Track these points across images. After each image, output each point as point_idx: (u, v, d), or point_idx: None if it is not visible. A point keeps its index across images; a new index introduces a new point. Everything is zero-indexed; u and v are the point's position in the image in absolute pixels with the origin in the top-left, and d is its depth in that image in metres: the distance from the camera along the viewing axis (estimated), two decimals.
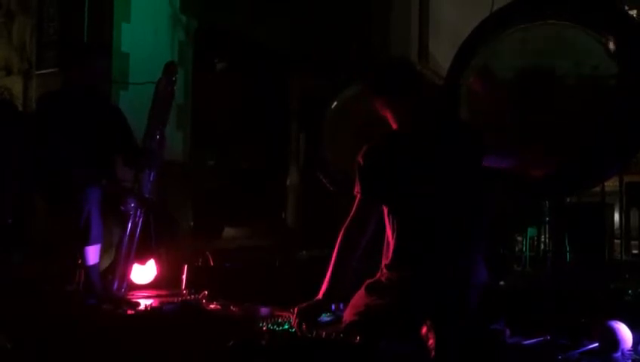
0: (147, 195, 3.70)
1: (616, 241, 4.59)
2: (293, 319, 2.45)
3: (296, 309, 2.47)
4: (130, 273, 3.68)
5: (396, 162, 2.52)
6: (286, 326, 2.49)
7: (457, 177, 2.49)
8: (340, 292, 2.54)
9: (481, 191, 2.55)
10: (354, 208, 2.58)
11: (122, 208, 3.59)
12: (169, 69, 3.82)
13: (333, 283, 2.52)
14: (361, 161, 2.56)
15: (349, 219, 2.59)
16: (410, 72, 2.62)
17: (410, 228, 2.48)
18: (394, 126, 2.61)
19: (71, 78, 3.77)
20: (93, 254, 3.49)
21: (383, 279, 2.49)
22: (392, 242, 2.51)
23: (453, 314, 2.31)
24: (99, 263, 3.58)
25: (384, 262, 2.53)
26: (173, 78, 3.83)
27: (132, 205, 3.60)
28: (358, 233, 2.57)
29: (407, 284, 2.42)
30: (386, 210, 2.54)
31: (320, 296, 2.52)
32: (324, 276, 2.56)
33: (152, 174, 3.74)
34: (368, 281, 2.54)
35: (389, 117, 2.60)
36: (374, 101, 2.61)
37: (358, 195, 2.57)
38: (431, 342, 2.15)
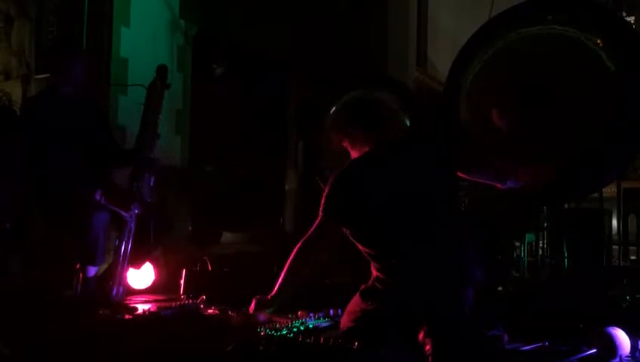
0: (148, 199, 3.71)
1: (615, 247, 4.59)
2: (251, 306, 2.72)
3: (255, 299, 2.72)
4: (126, 277, 3.68)
5: (371, 179, 2.57)
6: (284, 332, 2.49)
7: (431, 183, 2.55)
8: (286, 299, 2.74)
9: (455, 196, 2.61)
10: (315, 226, 2.65)
11: (125, 214, 3.57)
12: (162, 71, 3.81)
13: (281, 290, 2.70)
14: (332, 185, 2.62)
15: (307, 235, 2.67)
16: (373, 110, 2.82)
17: (396, 237, 2.48)
18: (354, 154, 2.73)
19: (57, 82, 3.78)
20: (94, 269, 3.57)
21: (377, 284, 2.48)
22: (373, 255, 2.53)
23: (448, 319, 2.31)
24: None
25: (377, 268, 2.52)
26: (168, 82, 3.83)
27: (136, 211, 3.59)
28: (314, 250, 2.69)
29: (401, 290, 2.42)
30: (362, 225, 2.56)
31: (269, 297, 2.72)
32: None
33: (152, 179, 3.75)
34: (363, 287, 2.54)
35: (351, 147, 2.74)
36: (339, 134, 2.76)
37: (323, 216, 2.62)
38: (428, 347, 2.15)
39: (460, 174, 2.65)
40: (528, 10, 3.30)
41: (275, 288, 2.71)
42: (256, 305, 2.71)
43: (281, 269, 2.72)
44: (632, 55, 2.93)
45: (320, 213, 2.63)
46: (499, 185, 2.68)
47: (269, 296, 2.71)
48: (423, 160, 2.60)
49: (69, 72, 3.72)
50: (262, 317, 2.69)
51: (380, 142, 2.66)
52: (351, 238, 2.60)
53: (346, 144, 2.76)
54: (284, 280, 2.69)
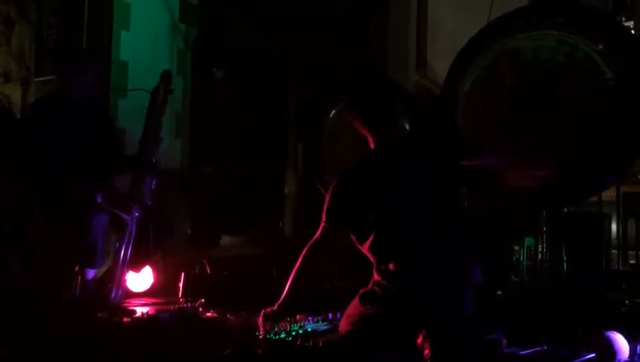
0: (149, 202, 3.71)
1: (614, 251, 4.59)
2: (260, 320, 2.61)
3: (262, 312, 2.63)
4: (125, 280, 3.68)
5: (371, 178, 2.56)
6: (282, 335, 2.49)
7: (431, 183, 2.53)
8: (290, 307, 2.69)
9: (455, 196, 2.63)
10: (319, 232, 2.63)
11: (126, 217, 3.57)
12: (166, 76, 3.82)
13: (288, 299, 2.64)
14: (333, 188, 2.61)
15: (312, 241, 2.64)
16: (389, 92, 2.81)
17: (396, 237, 2.48)
18: (371, 145, 2.70)
19: (64, 85, 3.78)
20: (93, 272, 3.58)
21: (377, 288, 2.48)
22: (374, 257, 2.52)
23: (448, 320, 2.31)
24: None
25: (376, 271, 2.52)
26: (171, 87, 3.84)
27: (136, 214, 3.59)
28: (319, 257, 2.67)
29: (401, 291, 2.42)
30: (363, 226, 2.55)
31: (276, 307, 2.64)
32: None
33: (154, 182, 3.75)
34: (362, 290, 2.54)
35: (367, 134, 2.70)
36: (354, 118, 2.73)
37: (325, 223, 2.61)
38: (427, 351, 2.15)
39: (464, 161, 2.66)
40: (527, 13, 3.30)
41: (282, 298, 2.65)
42: (264, 318, 2.63)
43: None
44: (630, 58, 2.94)
45: (322, 221, 2.62)
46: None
47: (275, 307, 2.65)
48: (423, 160, 2.60)
49: (78, 75, 3.72)
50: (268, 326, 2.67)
51: (381, 140, 2.65)
52: (352, 239, 2.59)
53: (357, 124, 2.73)
54: (290, 288, 2.64)
